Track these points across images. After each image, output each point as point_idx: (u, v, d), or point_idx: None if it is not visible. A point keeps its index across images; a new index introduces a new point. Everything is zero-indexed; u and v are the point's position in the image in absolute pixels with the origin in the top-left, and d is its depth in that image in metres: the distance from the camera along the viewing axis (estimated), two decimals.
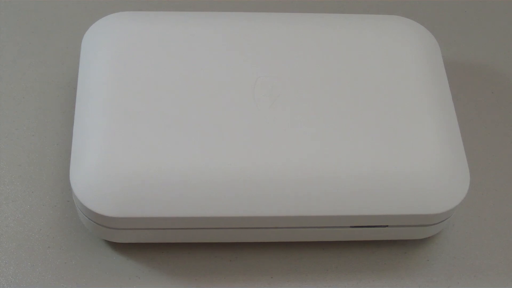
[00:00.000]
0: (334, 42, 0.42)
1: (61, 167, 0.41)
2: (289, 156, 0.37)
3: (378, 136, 0.38)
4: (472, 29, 0.50)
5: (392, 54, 0.41)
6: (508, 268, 0.40)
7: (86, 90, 0.39)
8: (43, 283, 0.38)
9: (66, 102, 0.44)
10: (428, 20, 0.48)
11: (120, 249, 0.40)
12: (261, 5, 0.49)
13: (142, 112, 0.38)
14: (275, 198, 0.37)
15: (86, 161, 0.37)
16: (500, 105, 0.46)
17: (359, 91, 0.40)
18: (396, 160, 0.37)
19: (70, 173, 0.37)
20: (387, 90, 0.40)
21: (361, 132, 0.38)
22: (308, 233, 0.38)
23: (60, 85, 0.45)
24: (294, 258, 0.40)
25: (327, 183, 0.37)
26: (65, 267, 0.39)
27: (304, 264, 0.40)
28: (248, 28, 0.42)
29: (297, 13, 0.44)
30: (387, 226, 0.38)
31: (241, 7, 0.49)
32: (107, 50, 0.40)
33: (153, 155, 0.37)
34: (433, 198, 0.37)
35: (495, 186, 0.43)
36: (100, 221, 0.37)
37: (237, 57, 0.41)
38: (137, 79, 0.39)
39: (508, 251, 0.41)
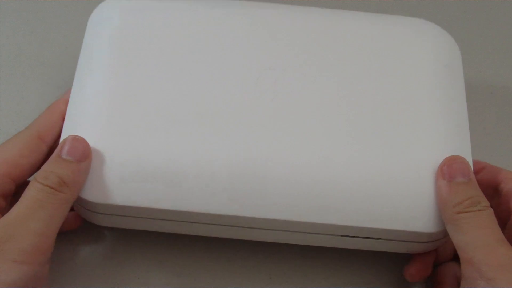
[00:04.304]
0: (348, 39, 0.40)
1: None
2: (285, 158, 0.36)
3: (383, 146, 0.36)
4: (472, 29, 0.50)
5: (409, 57, 0.39)
6: None
7: (85, 69, 0.38)
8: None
9: None
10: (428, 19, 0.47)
11: (120, 249, 0.40)
12: None
13: (139, 101, 0.37)
14: (268, 199, 0.36)
15: None
16: (500, 105, 0.46)
17: (369, 95, 0.38)
18: (400, 178, 0.36)
19: None
20: (400, 96, 0.38)
21: (366, 139, 0.37)
22: (300, 237, 0.37)
23: (60, 85, 0.45)
24: (293, 258, 0.40)
25: (322, 189, 0.36)
26: (65, 267, 0.39)
27: (304, 264, 0.40)
28: (261, 17, 0.40)
29: (313, 7, 0.42)
30: (389, 239, 0.37)
31: None
32: (109, 36, 0.39)
33: (147, 146, 0.36)
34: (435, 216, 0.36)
35: None
36: (85, 205, 0.36)
37: (245, 46, 0.39)
38: (137, 65, 0.38)
39: None
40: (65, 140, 0.35)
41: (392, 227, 0.36)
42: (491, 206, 0.34)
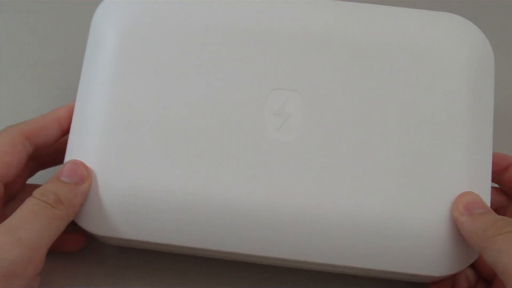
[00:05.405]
0: (375, 52, 0.35)
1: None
2: (292, 196, 0.34)
3: (397, 188, 0.34)
4: None
5: (441, 69, 0.36)
6: None
7: (88, 86, 0.37)
8: (44, 283, 0.38)
9: (66, 102, 0.44)
10: None
11: (120, 251, 0.40)
12: None
13: (143, 130, 0.35)
14: (271, 238, 0.34)
15: None
16: (500, 105, 0.46)
17: (391, 124, 0.34)
18: (412, 220, 0.34)
19: None
20: (425, 122, 0.34)
21: (381, 178, 0.34)
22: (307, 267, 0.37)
23: (60, 85, 0.45)
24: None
25: (323, 229, 0.34)
26: (66, 268, 0.39)
27: (307, 270, 0.40)
28: (276, 19, 0.35)
29: (340, 1, 0.36)
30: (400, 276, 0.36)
31: None
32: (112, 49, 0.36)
33: (145, 178, 0.35)
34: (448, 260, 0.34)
35: None
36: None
37: (256, 58, 0.35)
38: (141, 85, 0.36)
39: None
40: (65, 163, 0.35)
41: (405, 271, 0.34)
42: None
